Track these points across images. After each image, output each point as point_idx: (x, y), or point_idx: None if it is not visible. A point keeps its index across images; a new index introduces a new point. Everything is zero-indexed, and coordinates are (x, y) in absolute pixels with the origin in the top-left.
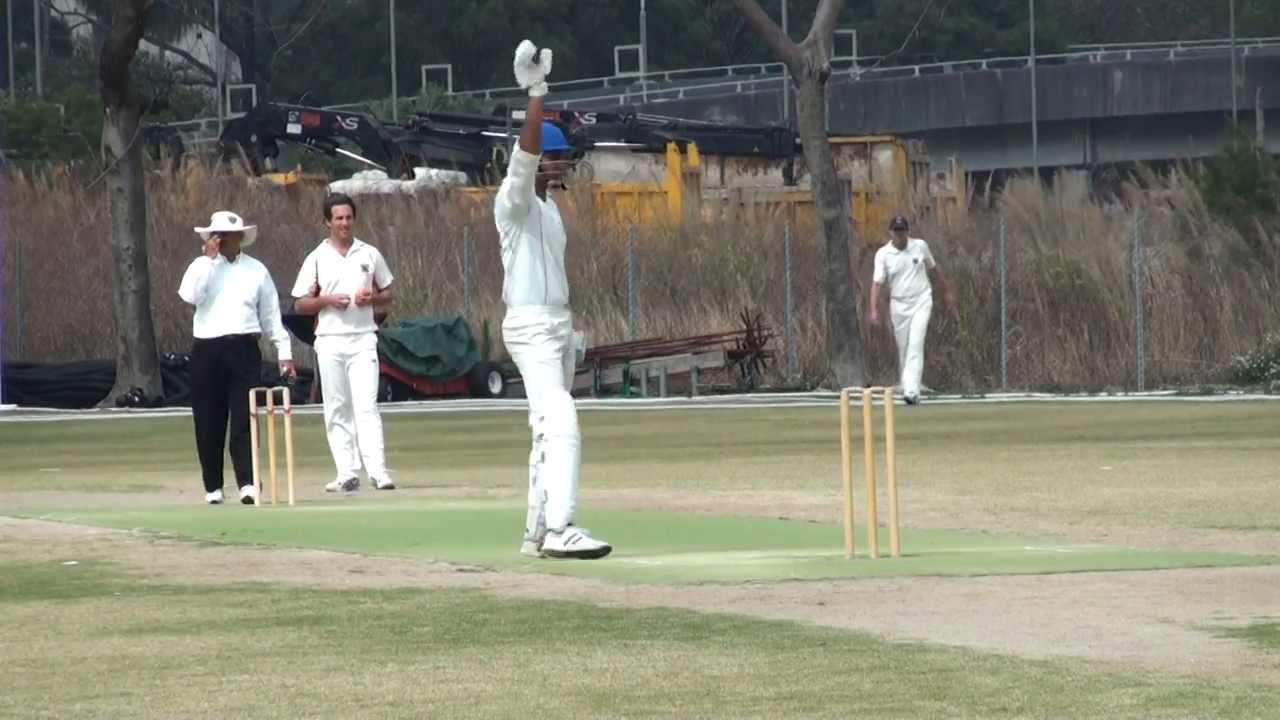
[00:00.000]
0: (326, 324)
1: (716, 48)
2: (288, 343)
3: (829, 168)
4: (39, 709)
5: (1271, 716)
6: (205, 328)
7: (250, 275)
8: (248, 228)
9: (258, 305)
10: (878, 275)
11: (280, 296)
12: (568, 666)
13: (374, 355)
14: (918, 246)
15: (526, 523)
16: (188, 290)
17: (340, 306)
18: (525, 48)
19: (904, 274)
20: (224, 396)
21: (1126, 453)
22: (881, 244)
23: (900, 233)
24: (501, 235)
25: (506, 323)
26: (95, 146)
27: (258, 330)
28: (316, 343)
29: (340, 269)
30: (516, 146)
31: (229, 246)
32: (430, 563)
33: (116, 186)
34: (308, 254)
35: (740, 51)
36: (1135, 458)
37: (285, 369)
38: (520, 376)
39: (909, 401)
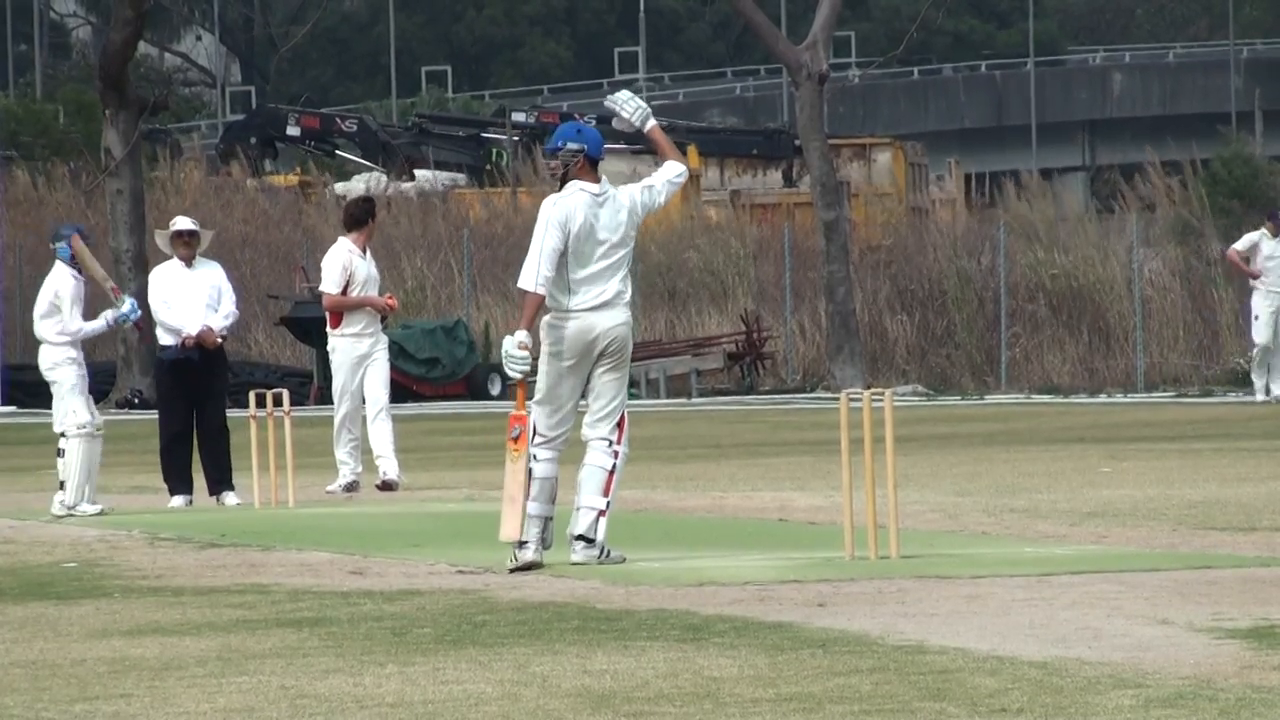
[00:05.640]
0: (351, 324)
1: (716, 50)
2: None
3: (828, 169)
4: (39, 710)
5: (1271, 718)
6: (172, 335)
7: (209, 276)
8: (206, 231)
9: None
10: (1240, 246)
11: (278, 299)
12: (567, 668)
13: (388, 355)
14: None
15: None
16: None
17: (390, 309)
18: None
19: (1277, 264)
20: (193, 404)
21: (1126, 454)
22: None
23: (1276, 222)
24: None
25: (628, 319)
26: (94, 148)
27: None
28: (339, 341)
29: (366, 269)
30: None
31: (189, 250)
32: (430, 564)
33: (116, 188)
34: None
35: (739, 54)
36: (1135, 459)
37: (202, 330)
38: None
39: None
